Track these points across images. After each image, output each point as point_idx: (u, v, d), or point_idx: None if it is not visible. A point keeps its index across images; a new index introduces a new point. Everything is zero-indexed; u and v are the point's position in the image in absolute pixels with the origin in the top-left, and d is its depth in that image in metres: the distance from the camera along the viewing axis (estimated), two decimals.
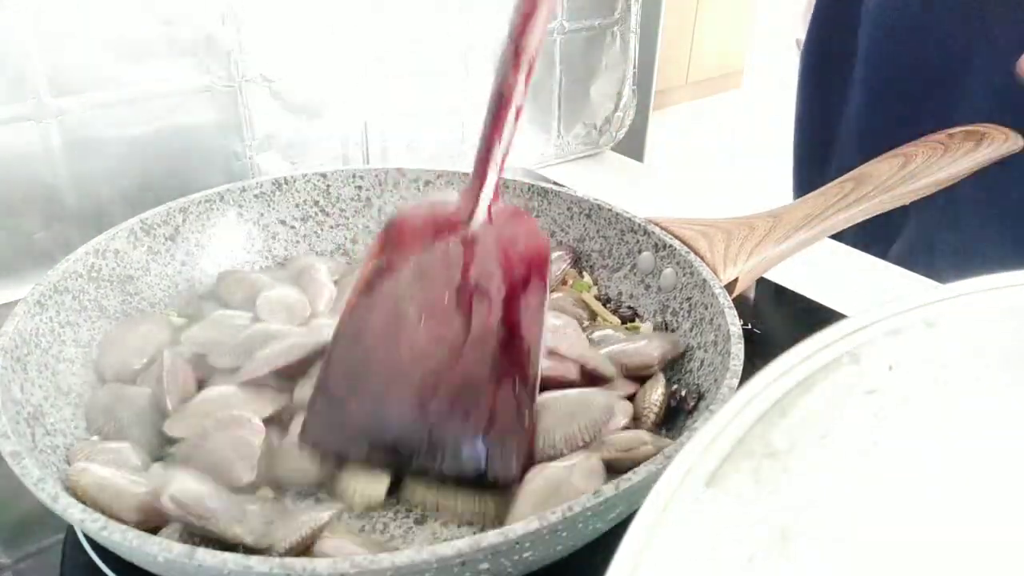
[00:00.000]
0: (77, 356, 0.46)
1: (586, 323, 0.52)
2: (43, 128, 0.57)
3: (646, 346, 0.48)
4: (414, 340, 0.41)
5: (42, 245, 0.60)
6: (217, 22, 0.62)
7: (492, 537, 0.30)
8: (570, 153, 0.87)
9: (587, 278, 0.57)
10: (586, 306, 0.54)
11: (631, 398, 0.46)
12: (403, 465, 0.40)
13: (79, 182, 0.60)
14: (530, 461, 0.39)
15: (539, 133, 0.84)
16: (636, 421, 0.44)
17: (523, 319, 0.41)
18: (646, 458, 0.37)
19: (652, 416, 0.44)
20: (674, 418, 0.46)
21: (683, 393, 0.46)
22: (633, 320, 0.54)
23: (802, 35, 0.82)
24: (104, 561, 0.39)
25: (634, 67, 0.87)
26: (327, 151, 0.72)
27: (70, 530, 0.41)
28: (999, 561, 0.24)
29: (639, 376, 0.47)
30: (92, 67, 0.58)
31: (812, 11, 0.80)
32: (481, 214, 0.42)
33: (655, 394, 0.45)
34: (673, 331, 0.51)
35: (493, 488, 0.39)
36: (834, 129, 0.78)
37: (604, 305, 0.55)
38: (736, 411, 0.21)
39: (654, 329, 0.52)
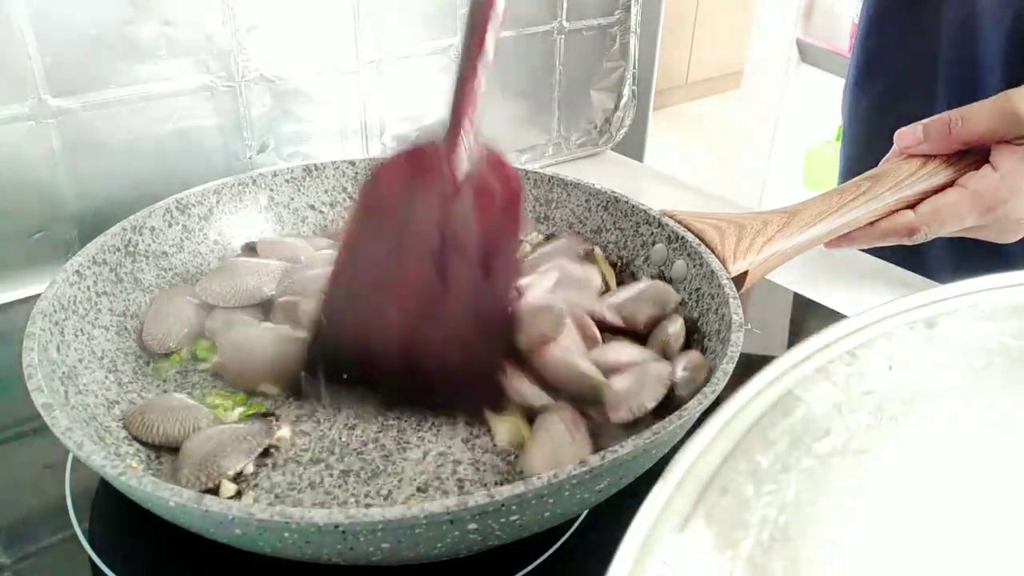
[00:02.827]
0: (112, 324, 0.49)
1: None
2: (43, 128, 0.57)
3: (636, 304, 0.51)
4: (397, 296, 0.43)
5: (42, 245, 0.60)
6: (217, 22, 0.62)
7: (478, 498, 0.32)
8: (570, 153, 0.87)
9: (597, 250, 0.59)
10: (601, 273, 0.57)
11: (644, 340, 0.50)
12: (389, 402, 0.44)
13: (79, 182, 0.60)
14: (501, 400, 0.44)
15: (539, 133, 0.84)
16: (663, 353, 0.48)
17: (498, 268, 0.43)
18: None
19: (677, 346, 0.48)
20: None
21: (696, 316, 0.50)
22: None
23: (802, 35, 0.81)
24: (104, 560, 0.39)
25: (634, 67, 0.87)
26: (327, 151, 0.72)
27: (70, 530, 0.41)
28: (999, 561, 0.24)
29: (632, 332, 0.50)
30: (92, 67, 0.58)
31: (858, 18, 0.78)
32: (458, 167, 0.43)
33: (674, 326, 0.49)
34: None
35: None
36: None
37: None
38: (736, 410, 0.21)
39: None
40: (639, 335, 0.50)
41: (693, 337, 0.49)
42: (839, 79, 0.85)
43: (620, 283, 0.57)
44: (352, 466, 0.42)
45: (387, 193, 0.44)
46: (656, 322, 0.50)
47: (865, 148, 0.79)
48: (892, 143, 0.57)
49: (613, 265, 0.58)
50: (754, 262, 0.51)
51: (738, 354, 0.42)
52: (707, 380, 0.41)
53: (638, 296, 0.52)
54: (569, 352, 0.45)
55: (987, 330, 0.25)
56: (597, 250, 0.59)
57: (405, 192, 0.43)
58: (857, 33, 0.80)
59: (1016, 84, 0.53)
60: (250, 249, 0.58)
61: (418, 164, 0.43)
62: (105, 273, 0.50)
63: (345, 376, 0.44)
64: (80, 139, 0.59)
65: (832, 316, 0.62)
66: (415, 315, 0.43)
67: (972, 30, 0.67)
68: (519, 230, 0.44)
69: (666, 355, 0.48)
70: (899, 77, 0.75)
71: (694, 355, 0.47)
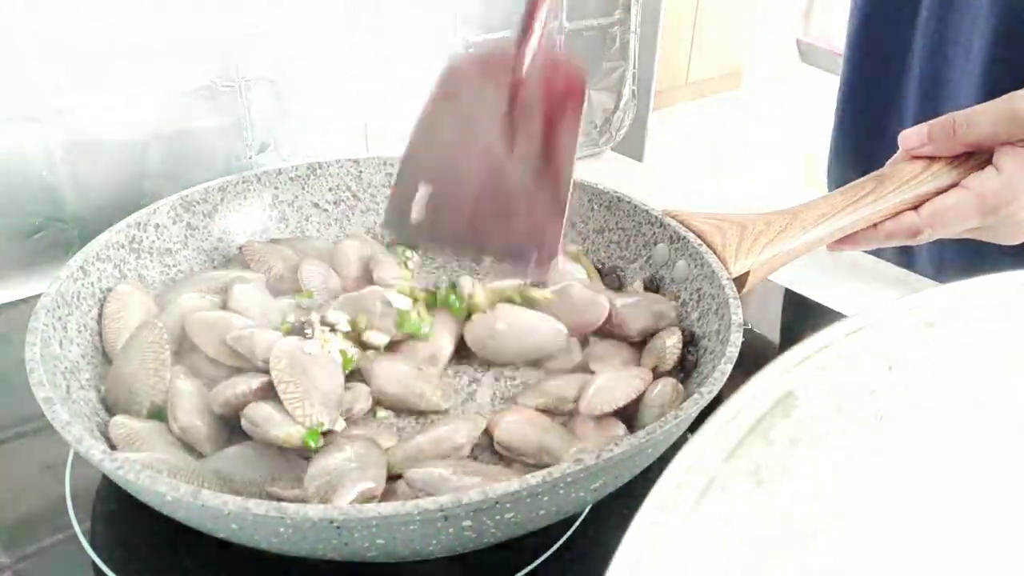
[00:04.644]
0: None
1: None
2: (43, 128, 0.57)
3: (631, 311, 0.51)
4: (470, 155, 0.49)
5: (42, 245, 0.60)
6: (217, 22, 0.62)
7: (472, 495, 0.32)
8: None
9: (572, 248, 0.59)
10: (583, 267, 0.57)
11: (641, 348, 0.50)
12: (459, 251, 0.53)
13: (79, 182, 0.60)
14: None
15: None
16: (655, 368, 0.48)
17: (559, 143, 0.48)
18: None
19: (672, 359, 0.48)
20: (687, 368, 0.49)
21: (692, 331, 0.50)
22: (620, 289, 0.57)
23: (802, 35, 0.81)
24: (104, 560, 0.39)
25: (634, 67, 0.87)
26: (327, 151, 0.71)
27: (70, 530, 0.41)
28: (1000, 561, 0.24)
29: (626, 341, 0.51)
30: (92, 67, 0.58)
31: (851, 11, 0.78)
32: (527, 62, 0.48)
33: (672, 340, 0.49)
34: (682, 318, 0.53)
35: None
36: (882, 129, 0.76)
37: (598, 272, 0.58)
38: (737, 411, 0.21)
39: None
40: (631, 343, 0.50)
41: (688, 350, 0.49)
42: (839, 79, 0.84)
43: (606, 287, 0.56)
44: None
45: (461, 82, 0.50)
46: (650, 334, 0.50)
47: (845, 149, 0.80)
48: (869, 145, 0.57)
49: (600, 272, 0.58)
50: (756, 263, 0.51)
51: (736, 354, 0.42)
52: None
53: (635, 304, 0.51)
54: (526, 427, 0.44)
55: (987, 330, 0.25)
56: (573, 247, 0.58)
57: (478, 82, 0.50)
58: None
59: (999, 84, 0.53)
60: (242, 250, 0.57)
61: (490, 62, 0.50)
62: (109, 270, 0.50)
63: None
64: (80, 139, 0.59)
65: (832, 316, 0.62)
66: (482, 180, 0.48)
67: (944, 40, 0.68)
68: (580, 114, 0.48)
69: (659, 369, 0.48)
70: (873, 83, 0.75)
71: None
